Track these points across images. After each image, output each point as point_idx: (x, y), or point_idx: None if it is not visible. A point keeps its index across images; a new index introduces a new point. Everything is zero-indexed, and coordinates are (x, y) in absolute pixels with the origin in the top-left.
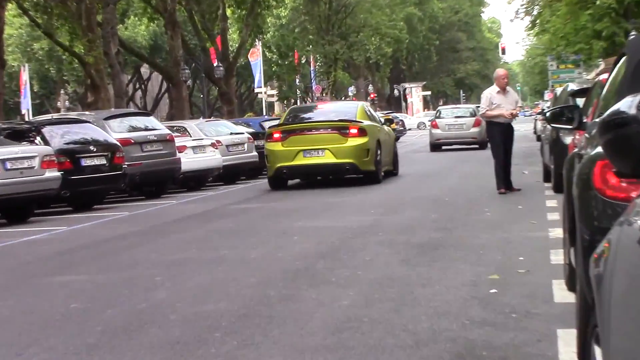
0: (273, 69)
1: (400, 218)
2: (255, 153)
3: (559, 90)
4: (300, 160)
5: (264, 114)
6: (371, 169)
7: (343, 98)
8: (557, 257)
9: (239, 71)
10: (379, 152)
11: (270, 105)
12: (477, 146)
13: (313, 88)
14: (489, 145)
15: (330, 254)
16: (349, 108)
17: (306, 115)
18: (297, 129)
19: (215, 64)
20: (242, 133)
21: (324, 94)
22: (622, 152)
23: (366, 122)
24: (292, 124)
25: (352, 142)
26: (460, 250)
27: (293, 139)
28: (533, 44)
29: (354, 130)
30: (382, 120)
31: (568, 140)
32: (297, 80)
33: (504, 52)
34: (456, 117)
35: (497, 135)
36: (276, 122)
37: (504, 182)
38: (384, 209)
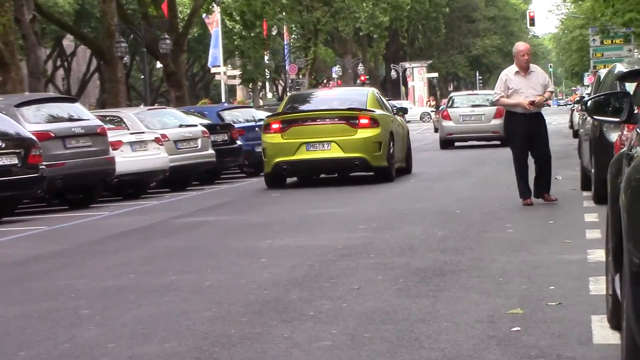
0: (235, 42)
1: (398, 235)
2: (211, 151)
3: (602, 72)
4: (303, 155)
5: (223, 100)
6: (383, 165)
7: (325, 81)
8: (598, 286)
9: (190, 45)
10: (392, 145)
11: (232, 90)
12: (498, 142)
13: (287, 68)
14: None
15: (308, 281)
16: (357, 95)
17: (309, 103)
18: (299, 119)
19: (160, 36)
20: (195, 125)
21: (299, 75)
22: None
23: (378, 111)
24: (293, 113)
25: (363, 134)
26: (473, 277)
27: (294, 130)
28: (570, 12)
29: (364, 121)
30: (394, 109)
31: (614, 136)
32: (267, 58)
33: (532, 23)
34: (473, 107)
35: (517, 130)
36: (241, 110)
37: (528, 189)
38: (377, 224)
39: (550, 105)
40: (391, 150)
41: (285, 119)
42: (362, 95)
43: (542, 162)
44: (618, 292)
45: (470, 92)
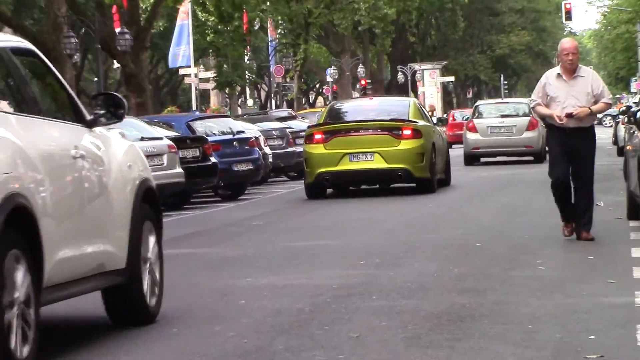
0: (209, 38)
1: (406, 272)
2: (179, 170)
3: None
4: (346, 165)
5: (195, 108)
6: (426, 176)
7: (317, 86)
8: None
9: (155, 42)
10: (434, 156)
11: (204, 96)
12: (531, 158)
13: (271, 69)
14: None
15: (297, 328)
16: (399, 105)
17: (351, 114)
18: (342, 129)
19: (118, 30)
20: (160, 138)
21: (287, 79)
22: None
23: (421, 122)
24: (335, 124)
25: (406, 145)
26: (497, 324)
27: (337, 141)
28: (615, 4)
29: (407, 132)
30: (435, 120)
31: None
32: (247, 58)
33: (569, 17)
34: (502, 117)
35: (554, 146)
36: (215, 120)
37: (571, 216)
38: (382, 258)
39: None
40: (433, 162)
41: (328, 130)
42: (404, 105)
43: (582, 189)
44: None
45: (499, 100)
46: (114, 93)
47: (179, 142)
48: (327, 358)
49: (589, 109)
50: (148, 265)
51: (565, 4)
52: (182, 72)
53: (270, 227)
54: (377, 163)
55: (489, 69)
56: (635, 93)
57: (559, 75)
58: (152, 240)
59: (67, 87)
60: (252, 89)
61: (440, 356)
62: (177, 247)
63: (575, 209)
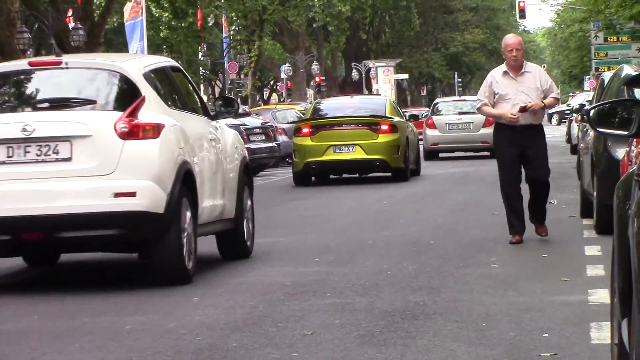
0: (163, 34)
1: (360, 270)
2: None
3: (607, 75)
4: (330, 156)
5: None
6: (401, 167)
7: (272, 82)
8: (601, 333)
9: (109, 37)
10: (407, 149)
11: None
12: (488, 153)
13: (225, 66)
14: None
15: (250, 325)
16: (377, 104)
17: (334, 110)
18: (327, 124)
19: (71, 26)
20: None
21: (241, 75)
22: None
23: (396, 119)
24: (321, 119)
25: (383, 139)
26: (451, 322)
27: (323, 134)
28: (568, 3)
29: (385, 127)
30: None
31: (621, 153)
32: (201, 54)
33: (522, 15)
34: (460, 114)
35: (503, 147)
36: None
37: (520, 222)
38: (335, 256)
39: (546, 112)
40: (407, 154)
41: (314, 124)
42: (381, 104)
43: (537, 188)
44: (625, 340)
45: (457, 98)
46: (230, 96)
47: None
48: (281, 355)
49: (542, 102)
50: (246, 217)
51: (519, 2)
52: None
53: None
54: (357, 154)
55: (443, 67)
56: (589, 91)
57: (505, 72)
58: (248, 200)
59: (199, 91)
60: (206, 85)
61: (393, 354)
62: None
63: (529, 206)
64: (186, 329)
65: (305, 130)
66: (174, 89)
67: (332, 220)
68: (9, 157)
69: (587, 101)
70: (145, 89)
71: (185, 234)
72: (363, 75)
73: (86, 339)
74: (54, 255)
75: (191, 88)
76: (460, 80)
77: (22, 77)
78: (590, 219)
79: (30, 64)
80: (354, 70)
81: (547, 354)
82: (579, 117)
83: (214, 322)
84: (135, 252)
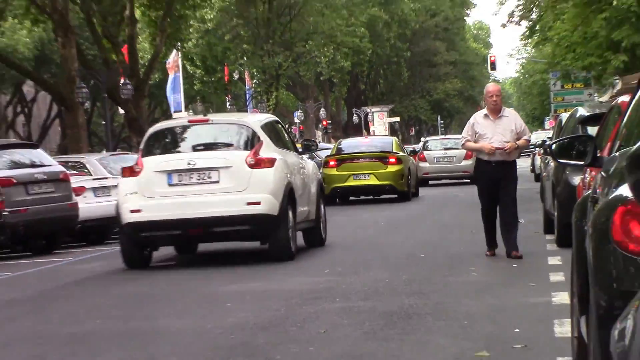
0: (196, 87)
1: (363, 279)
2: None
3: (564, 116)
4: (351, 182)
5: None
6: (405, 190)
7: (287, 126)
8: (563, 328)
9: (152, 91)
10: (409, 177)
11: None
12: (468, 180)
13: (249, 112)
14: None
15: (274, 326)
16: (386, 142)
17: (353, 147)
18: (348, 158)
19: (121, 82)
20: None
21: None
22: None
23: (400, 153)
24: (344, 154)
25: (391, 169)
26: (439, 320)
27: (345, 166)
28: (531, 56)
29: (392, 160)
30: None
31: (577, 180)
32: (228, 103)
33: (493, 67)
34: (445, 149)
35: (482, 178)
36: None
37: (494, 240)
38: (343, 267)
39: (520, 150)
40: (409, 180)
41: (339, 158)
42: (389, 142)
43: (506, 218)
44: (584, 334)
45: (443, 136)
46: (311, 139)
47: None
48: (300, 350)
49: (516, 144)
50: (322, 219)
51: (490, 56)
52: (175, 115)
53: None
54: (372, 181)
55: (428, 111)
56: (549, 129)
57: (486, 115)
58: (322, 207)
59: (290, 135)
60: None
61: (392, 348)
62: (174, 260)
63: (501, 231)
64: (221, 329)
65: (332, 163)
66: (278, 135)
67: (338, 239)
68: (179, 181)
69: (547, 137)
70: (263, 136)
71: (290, 228)
72: (362, 119)
73: (140, 339)
74: (195, 246)
75: (286, 134)
76: (442, 122)
77: (184, 129)
78: (552, 235)
79: (189, 121)
80: (355, 115)
81: (519, 345)
82: (542, 151)
83: (244, 323)
84: (258, 241)
